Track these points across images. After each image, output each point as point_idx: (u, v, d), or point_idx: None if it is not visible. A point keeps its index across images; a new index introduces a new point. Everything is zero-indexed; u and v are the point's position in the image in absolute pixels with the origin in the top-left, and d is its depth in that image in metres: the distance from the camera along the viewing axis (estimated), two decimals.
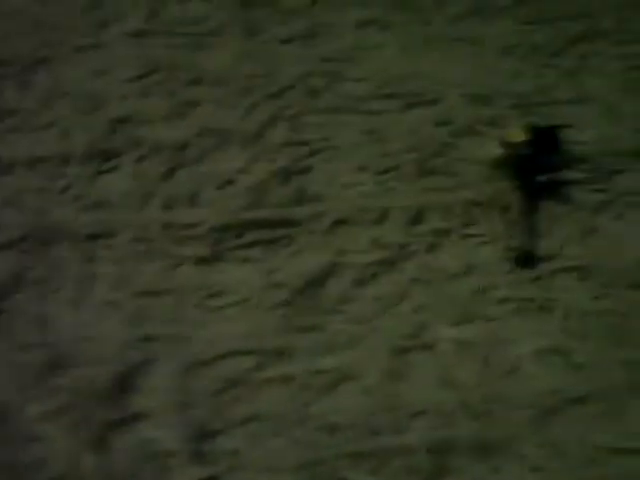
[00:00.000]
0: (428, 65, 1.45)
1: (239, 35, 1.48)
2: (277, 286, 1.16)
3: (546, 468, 1.03)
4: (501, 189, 1.24)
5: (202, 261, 1.17)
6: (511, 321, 1.16)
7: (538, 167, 1.27)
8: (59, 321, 1.13)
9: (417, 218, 1.21)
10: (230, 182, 1.26)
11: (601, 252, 1.21)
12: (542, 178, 1.26)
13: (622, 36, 1.52)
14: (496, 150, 1.25)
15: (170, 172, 1.27)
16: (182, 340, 1.12)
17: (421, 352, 1.13)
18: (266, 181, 1.25)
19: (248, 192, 1.24)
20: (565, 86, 1.43)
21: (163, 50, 1.45)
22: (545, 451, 1.04)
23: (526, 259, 1.20)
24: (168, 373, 1.09)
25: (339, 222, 1.22)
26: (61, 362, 1.09)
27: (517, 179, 1.24)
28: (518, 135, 1.26)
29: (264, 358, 1.12)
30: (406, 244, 1.19)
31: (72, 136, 1.31)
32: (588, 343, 1.13)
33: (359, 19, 1.53)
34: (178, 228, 1.21)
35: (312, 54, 1.46)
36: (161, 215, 1.22)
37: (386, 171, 1.26)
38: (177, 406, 1.06)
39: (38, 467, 1.00)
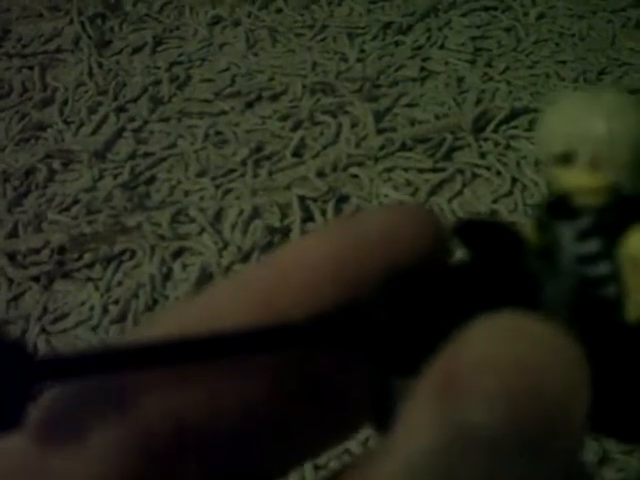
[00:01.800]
0: (274, 58, 1.45)
1: (91, 49, 1.49)
2: (116, 302, 1.17)
3: None
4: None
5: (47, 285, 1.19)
6: None
7: None
8: None
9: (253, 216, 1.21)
10: (76, 202, 1.27)
11: None
12: None
13: (472, 5, 1.51)
14: None
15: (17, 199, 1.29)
16: None
17: None
18: (109, 196, 1.26)
19: (90, 210, 1.25)
20: (411, 63, 1.42)
21: (15, 72, 1.47)
22: None
23: None
24: None
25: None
26: None
27: None
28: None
29: None
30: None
31: None
32: None
33: (210, 18, 1.53)
34: (23, 254, 1.22)
35: (161, 60, 1.47)
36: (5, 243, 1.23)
37: (225, 174, 1.26)
38: None
39: None
